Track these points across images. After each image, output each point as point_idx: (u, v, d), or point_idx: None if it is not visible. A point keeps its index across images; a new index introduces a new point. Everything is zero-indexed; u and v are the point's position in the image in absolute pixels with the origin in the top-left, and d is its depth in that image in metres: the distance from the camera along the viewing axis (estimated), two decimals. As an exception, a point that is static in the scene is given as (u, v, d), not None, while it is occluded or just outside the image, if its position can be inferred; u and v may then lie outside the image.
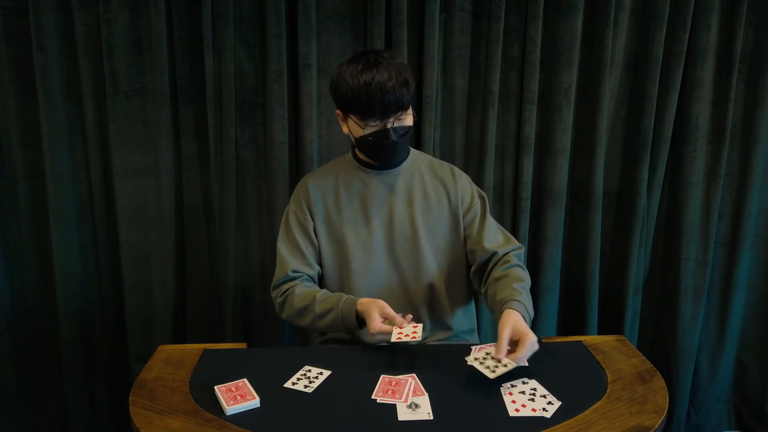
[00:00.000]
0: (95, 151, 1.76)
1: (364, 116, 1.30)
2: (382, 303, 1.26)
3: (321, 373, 1.18)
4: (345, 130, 1.40)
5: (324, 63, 1.77)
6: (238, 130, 1.79)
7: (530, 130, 1.83)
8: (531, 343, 1.13)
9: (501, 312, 1.22)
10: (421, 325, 1.22)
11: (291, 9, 1.72)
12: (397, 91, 1.26)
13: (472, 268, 1.45)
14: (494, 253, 1.40)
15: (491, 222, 1.47)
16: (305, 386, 1.13)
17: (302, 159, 1.81)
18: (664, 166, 1.90)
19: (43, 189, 1.76)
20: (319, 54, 1.76)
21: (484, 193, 1.50)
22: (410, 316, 1.25)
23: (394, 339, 1.20)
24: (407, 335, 1.19)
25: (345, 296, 1.33)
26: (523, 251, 1.46)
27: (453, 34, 1.78)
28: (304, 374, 1.17)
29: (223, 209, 1.82)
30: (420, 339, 1.19)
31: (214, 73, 1.72)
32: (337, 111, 1.38)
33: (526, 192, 1.87)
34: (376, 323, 1.23)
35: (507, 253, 1.41)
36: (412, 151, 1.50)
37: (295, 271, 1.41)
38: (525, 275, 1.37)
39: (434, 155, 1.82)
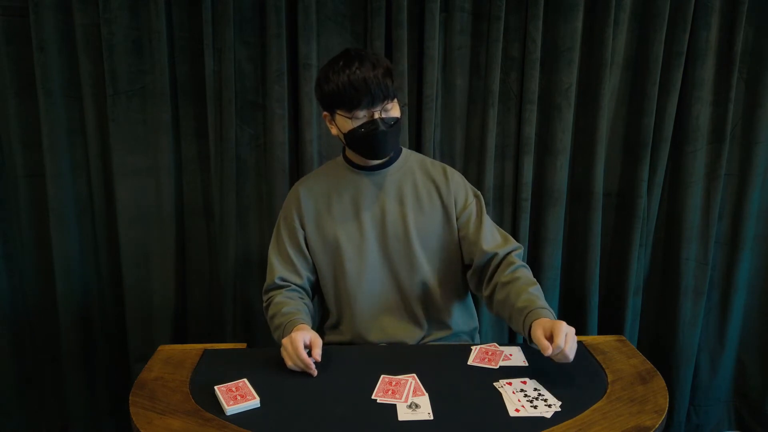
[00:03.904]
0: (95, 151, 1.76)
1: (351, 108, 1.30)
2: (314, 336, 1.22)
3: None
4: (334, 131, 1.40)
5: (324, 63, 1.76)
6: (238, 130, 1.79)
7: (530, 130, 1.83)
8: (563, 330, 1.11)
9: (529, 322, 1.21)
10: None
11: (291, 9, 1.72)
12: (381, 80, 1.28)
13: (470, 270, 1.44)
14: (494, 255, 1.38)
15: (488, 222, 1.45)
16: None
17: (302, 159, 1.81)
18: (664, 166, 1.90)
19: (43, 189, 1.76)
20: (319, 54, 1.76)
21: (479, 192, 1.48)
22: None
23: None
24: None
25: (296, 318, 1.31)
26: (522, 251, 1.44)
27: (453, 34, 1.78)
28: None
29: (223, 209, 1.81)
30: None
31: (214, 73, 1.72)
32: (324, 113, 1.38)
33: (527, 192, 1.86)
34: (301, 351, 1.17)
35: (508, 254, 1.39)
36: (404, 150, 1.49)
37: (282, 279, 1.43)
38: (531, 276, 1.37)
39: (434, 155, 1.83)
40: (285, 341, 1.21)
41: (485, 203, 1.51)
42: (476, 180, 1.85)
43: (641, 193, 1.89)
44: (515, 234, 1.90)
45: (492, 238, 1.41)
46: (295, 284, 1.44)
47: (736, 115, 1.91)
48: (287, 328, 1.28)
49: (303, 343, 1.18)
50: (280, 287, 1.43)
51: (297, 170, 1.84)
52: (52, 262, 1.79)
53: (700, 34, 1.80)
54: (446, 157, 1.87)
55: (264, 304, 1.45)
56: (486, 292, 1.40)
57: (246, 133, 1.81)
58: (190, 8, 1.71)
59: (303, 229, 1.44)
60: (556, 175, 1.86)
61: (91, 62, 1.70)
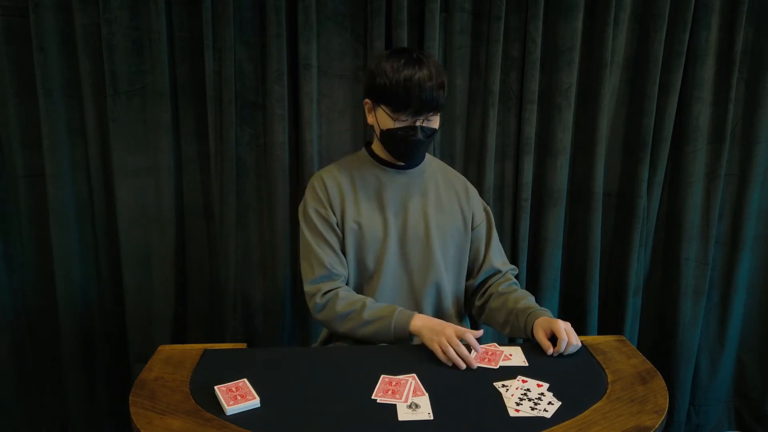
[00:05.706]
0: (95, 151, 1.76)
1: (396, 109, 1.31)
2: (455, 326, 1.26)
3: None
4: (370, 120, 1.40)
5: (324, 63, 1.77)
6: (238, 130, 1.79)
7: (530, 130, 1.83)
8: (561, 325, 1.23)
9: (531, 321, 1.32)
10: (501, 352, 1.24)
11: (291, 9, 1.72)
12: (435, 91, 1.29)
13: (470, 280, 1.52)
14: (498, 271, 1.50)
15: (497, 239, 1.54)
16: None
17: (302, 159, 1.81)
18: (664, 166, 1.90)
19: (43, 189, 1.76)
20: (319, 54, 1.76)
21: (488, 207, 1.56)
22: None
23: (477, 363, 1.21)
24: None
25: (399, 308, 1.34)
26: (517, 271, 1.58)
27: (453, 34, 1.78)
28: None
29: (223, 209, 1.81)
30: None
31: (214, 73, 1.72)
32: (366, 100, 1.39)
33: (527, 192, 1.87)
34: (455, 340, 1.22)
35: (507, 272, 1.52)
36: (427, 154, 1.52)
37: (333, 267, 1.39)
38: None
39: (434, 155, 1.83)
40: (443, 336, 1.21)
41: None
42: (476, 180, 1.84)
43: (641, 193, 1.89)
44: (515, 234, 1.91)
45: (499, 255, 1.53)
46: (342, 275, 1.41)
47: (736, 115, 1.91)
48: (400, 317, 1.31)
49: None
50: (334, 278, 1.39)
51: (297, 170, 1.84)
52: (52, 262, 1.79)
53: (700, 34, 1.80)
54: (446, 157, 1.87)
55: (320, 300, 1.38)
56: (479, 302, 1.50)
57: (246, 133, 1.81)
58: (190, 8, 1.71)
59: (334, 214, 1.42)
60: (556, 175, 1.86)
61: (91, 62, 1.70)
